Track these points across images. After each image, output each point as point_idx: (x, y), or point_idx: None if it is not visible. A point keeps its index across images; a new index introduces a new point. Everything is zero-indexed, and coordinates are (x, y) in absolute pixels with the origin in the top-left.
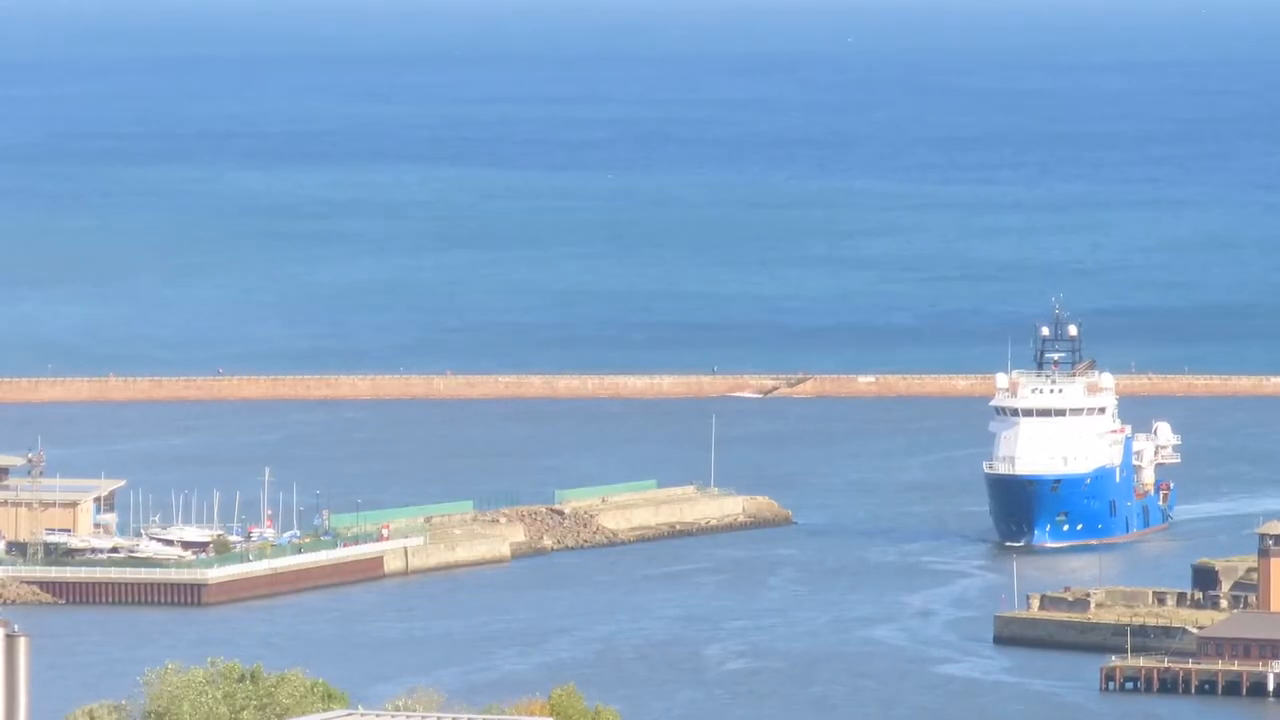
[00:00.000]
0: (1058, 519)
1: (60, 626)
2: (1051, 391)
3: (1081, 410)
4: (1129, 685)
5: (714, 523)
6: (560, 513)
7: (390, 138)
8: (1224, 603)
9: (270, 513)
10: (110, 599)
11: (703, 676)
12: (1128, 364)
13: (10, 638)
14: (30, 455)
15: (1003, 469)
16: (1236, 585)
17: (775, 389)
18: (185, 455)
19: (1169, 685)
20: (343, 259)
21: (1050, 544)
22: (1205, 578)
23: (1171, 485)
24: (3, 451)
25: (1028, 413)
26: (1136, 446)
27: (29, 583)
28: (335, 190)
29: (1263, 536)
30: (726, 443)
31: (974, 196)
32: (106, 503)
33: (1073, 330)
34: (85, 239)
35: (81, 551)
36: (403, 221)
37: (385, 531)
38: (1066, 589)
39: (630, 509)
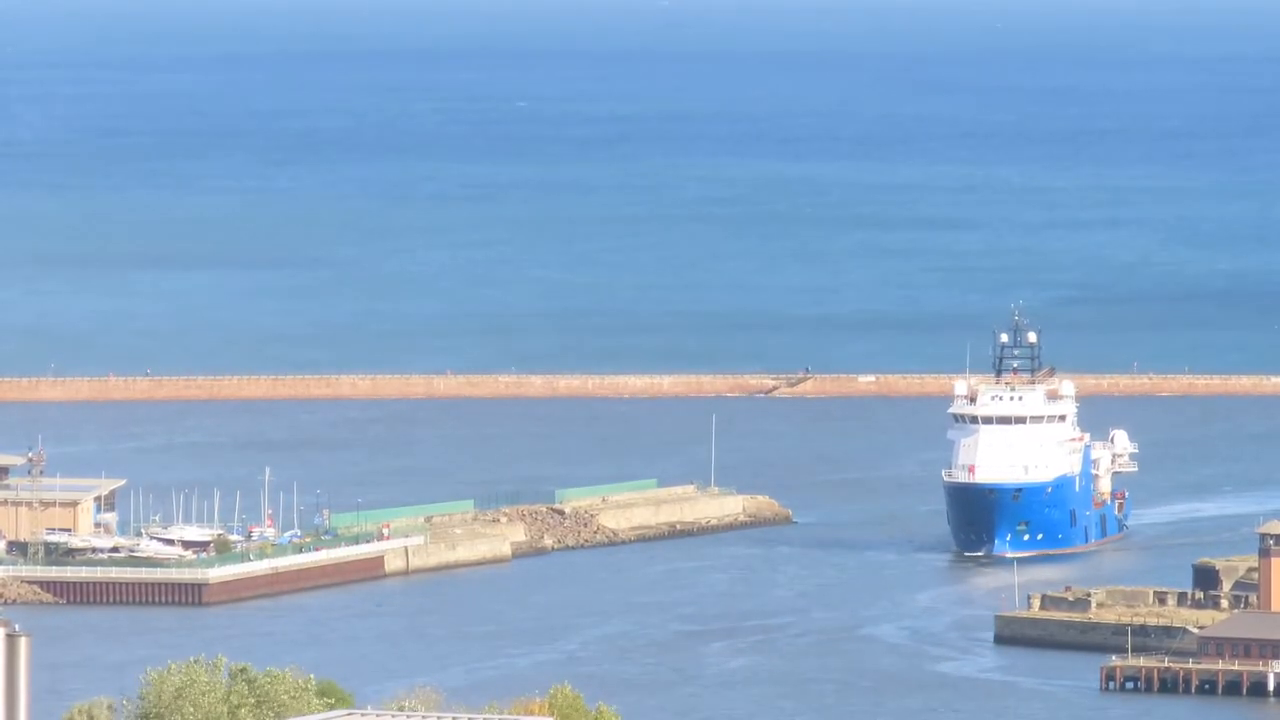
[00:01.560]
0: (1018, 529)
1: (60, 626)
2: (1011, 399)
3: (1042, 418)
4: (1129, 685)
5: (714, 522)
6: (560, 512)
7: (392, 131)
8: (1225, 603)
9: (270, 512)
10: (110, 599)
11: (703, 675)
12: (1130, 363)
13: (10, 638)
14: (30, 455)
15: (962, 477)
16: (1237, 585)
17: (775, 389)
18: (185, 455)
19: (1169, 685)
20: (342, 257)
21: (1010, 554)
22: (1206, 577)
23: (1127, 494)
24: (3, 451)
25: (987, 420)
26: (1094, 455)
27: (29, 582)
28: (335, 186)
29: (1263, 536)
30: (726, 442)
31: (995, 190)
32: (106, 502)
33: (1032, 337)
34: (101, 232)
35: (82, 551)
36: (402, 218)
37: (385, 531)
38: (1067, 589)
39: (630, 508)
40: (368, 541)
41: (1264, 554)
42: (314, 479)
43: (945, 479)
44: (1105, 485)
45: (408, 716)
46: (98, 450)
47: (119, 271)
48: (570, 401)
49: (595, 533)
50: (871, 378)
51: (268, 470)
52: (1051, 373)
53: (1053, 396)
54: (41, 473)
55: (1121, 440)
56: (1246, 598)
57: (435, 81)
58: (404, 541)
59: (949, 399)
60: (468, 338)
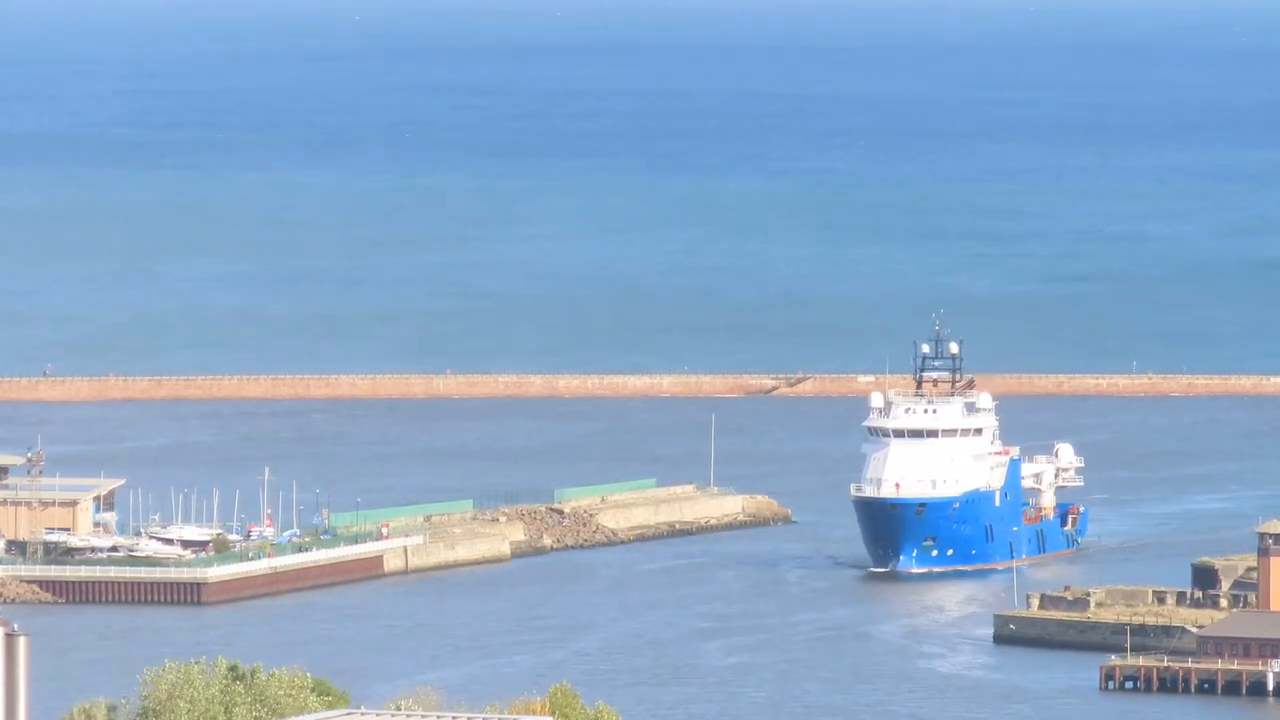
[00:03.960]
0: (925, 544)
1: (60, 626)
2: (925, 411)
3: (955, 431)
4: (1129, 684)
5: (714, 522)
6: (560, 512)
7: (399, 129)
8: (1224, 602)
9: (270, 512)
10: (110, 598)
11: (702, 674)
12: (1129, 364)
13: (10, 637)
14: (30, 454)
15: (869, 491)
16: (1236, 584)
17: (775, 388)
18: (185, 455)
19: (1169, 684)
20: (344, 252)
21: (916, 570)
22: (1205, 577)
23: (1082, 509)
24: (3, 451)
25: (899, 434)
26: (1035, 469)
27: (29, 582)
28: (342, 183)
29: (1262, 536)
30: (726, 442)
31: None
32: (106, 502)
33: (953, 348)
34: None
35: (81, 550)
36: (403, 214)
37: (385, 530)
38: (1066, 588)
39: (630, 508)
40: (367, 541)
41: (1263, 553)
42: (313, 479)
43: (853, 493)
44: (1048, 500)
45: (406, 716)
46: (98, 450)
47: (133, 263)
48: (570, 401)
49: (595, 532)
50: (871, 378)
51: (267, 470)
52: (971, 384)
53: (972, 408)
54: (41, 472)
55: (1066, 454)
56: (1245, 597)
57: (456, 78)
58: (403, 541)
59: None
60: (469, 339)
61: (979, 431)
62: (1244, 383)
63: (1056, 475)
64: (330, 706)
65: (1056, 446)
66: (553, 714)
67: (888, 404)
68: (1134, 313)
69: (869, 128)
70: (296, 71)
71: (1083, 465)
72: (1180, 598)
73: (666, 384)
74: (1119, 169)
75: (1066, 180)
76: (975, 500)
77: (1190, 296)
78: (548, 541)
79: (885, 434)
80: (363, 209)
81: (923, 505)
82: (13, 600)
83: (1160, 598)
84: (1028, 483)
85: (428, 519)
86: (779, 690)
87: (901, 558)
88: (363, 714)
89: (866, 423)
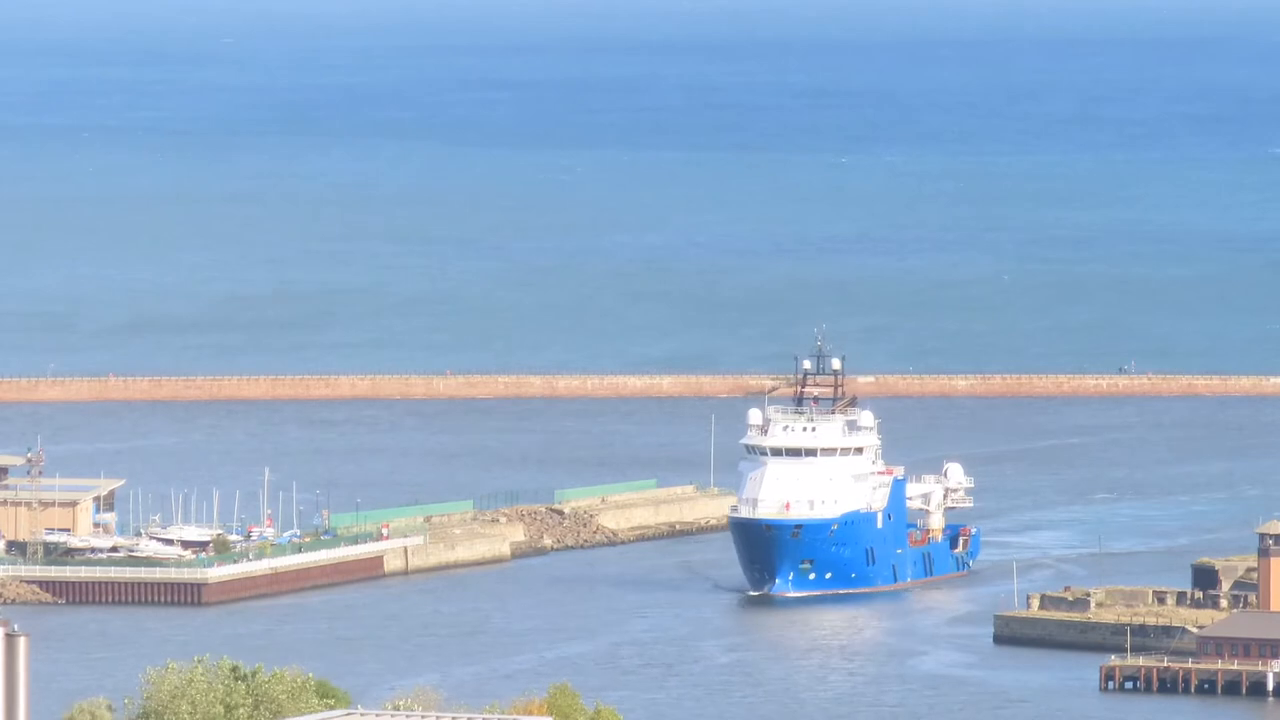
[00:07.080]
0: (801, 567)
1: (60, 626)
2: (805, 430)
3: (835, 450)
4: (1129, 685)
5: (713, 522)
6: (560, 512)
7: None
8: (1224, 602)
9: (270, 512)
10: (110, 599)
11: (701, 674)
12: (1127, 364)
13: (10, 637)
14: (30, 455)
15: (744, 512)
16: (1236, 585)
17: (775, 389)
18: (185, 455)
19: (1169, 685)
20: (347, 250)
21: (792, 594)
22: (1205, 577)
23: (973, 531)
24: (3, 451)
25: (777, 452)
26: (923, 489)
27: (29, 582)
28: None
29: (1263, 536)
30: (726, 442)
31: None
32: (106, 502)
33: (836, 364)
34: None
35: (81, 551)
36: (413, 209)
37: (385, 531)
38: (1066, 588)
39: (630, 509)
40: (367, 542)
41: (1263, 554)
42: (314, 479)
43: (730, 514)
44: (936, 521)
45: (406, 716)
46: (98, 450)
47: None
48: (570, 401)
49: (595, 533)
50: (871, 378)
51: (267, 470)
52: (853, 403)
53: (853, 427)
54: (41, 473)
55: (956, 474)
56: (1245, 597)
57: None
58: (403, 541)
59: (949, 400)
60: (467, 338)
61: (860, 450)
62: (1244, 383)
63: (945, 496)
64: (331, 707)
65: (946, 466)
66: (553, 714)
67: (767, 421)
68: (1135, 312)
69: (879, 123)
70: (358, 68)
71: (973, 486)
72: (1180, 598)
73: (666, 384)
74: (1138, 162)
75: (1084, 176)
76: (855, 522)
77: (1192, 295)
78: (548, 542)
79: (763, 453)
80: (363, 205)
81: (799, 527)
82: (13, 601)
83: (1160, 598)
84: (915, 504)
85: (428, 519)
86: (778, 690)
87: (777, 581)
88: (363, 714)
89: (744, 440)
